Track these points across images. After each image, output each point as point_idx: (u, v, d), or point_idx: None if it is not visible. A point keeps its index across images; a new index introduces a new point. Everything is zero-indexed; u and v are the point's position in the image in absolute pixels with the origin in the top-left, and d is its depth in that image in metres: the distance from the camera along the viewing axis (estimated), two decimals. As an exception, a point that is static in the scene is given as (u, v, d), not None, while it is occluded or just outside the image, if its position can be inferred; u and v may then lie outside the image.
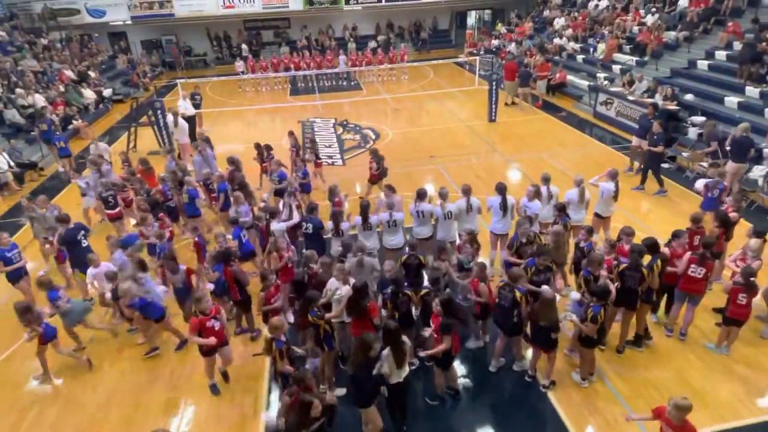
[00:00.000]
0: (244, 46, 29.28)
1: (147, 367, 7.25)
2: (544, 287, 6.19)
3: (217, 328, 6.28)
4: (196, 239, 8.26)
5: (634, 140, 12.61)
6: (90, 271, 7.83)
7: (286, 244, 7.68)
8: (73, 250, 8.59)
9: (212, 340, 6.20)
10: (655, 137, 11.31)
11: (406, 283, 6.58)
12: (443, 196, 8.19)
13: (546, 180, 8.68)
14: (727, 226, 7.79)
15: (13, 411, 6.77)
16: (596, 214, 8.88)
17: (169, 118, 14.81)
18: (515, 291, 6.24)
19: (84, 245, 8.57)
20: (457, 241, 8.65)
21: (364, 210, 7.98)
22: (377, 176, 11.52)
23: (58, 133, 16.32)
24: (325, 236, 8.13)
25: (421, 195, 8.17)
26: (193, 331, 6.19)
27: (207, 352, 6.40)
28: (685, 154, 12.79)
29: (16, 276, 8.31)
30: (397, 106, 20.30)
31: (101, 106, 21.59)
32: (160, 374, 7.10)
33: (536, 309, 6.17)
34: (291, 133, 13.18)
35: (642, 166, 11.87)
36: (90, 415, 6.63)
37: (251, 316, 7.50)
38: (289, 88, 24.43)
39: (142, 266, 7.32)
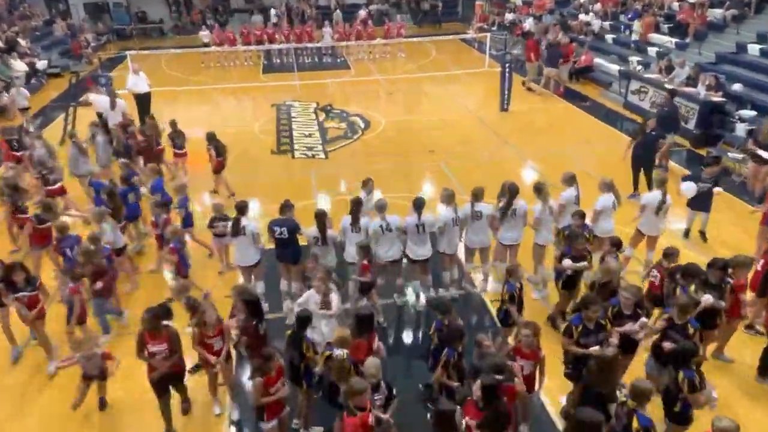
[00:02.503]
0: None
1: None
2: (603, 349, 5.77)
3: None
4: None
5: (668, 137, 12.76)
6: None
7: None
8: None
9: None
10: (652, 133, 11.30)
11: None
12: (447, 199, 8.22)
13: (569, 180, 8.71)
14: None
15: None
16: (638, 231, 8.86)
17: (104, 98, 14.54)
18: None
19: None
20: (460, 254, 8.71)
21: (356, 207, 8.00)
22: (220, 165, 11.84)
23: None
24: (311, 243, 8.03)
25: (419, 205, 8.04)
26: None
27: None
28: (731, 155, 12.93)
29: None
30: (391, 89, 20.32)
31: (33, 81, 21.36)
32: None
33: (591, 368, 5.70)
34: (151, 117, 13.46)
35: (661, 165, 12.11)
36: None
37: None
38: (261, 64, 24.35)
39: None
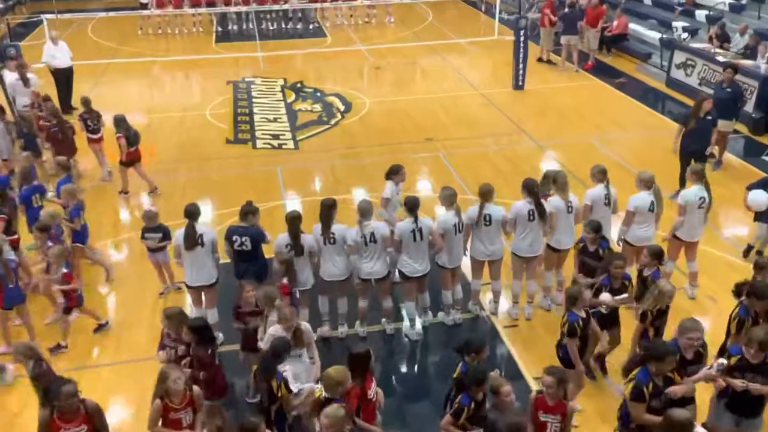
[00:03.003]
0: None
1: None
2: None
3: None
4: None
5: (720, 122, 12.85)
6: None
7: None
8: None
9: None
10: (708, 117, 11.26)
11: None
12: (448, 199, 8.20)
13: (599, 175, 8.72)
14: None
15: None
16: (675, 237, 8.88)
17: (11, 76, 14.38)
18: None
19: None
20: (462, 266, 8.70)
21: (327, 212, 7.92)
22: (134, 156, 11.92)
23: None
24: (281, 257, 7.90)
25: (413, 205, 8.03)
26: None
27: None
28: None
29: None
30: (377, 62, 20.33)
31: None
32: None
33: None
34: (46, 98, 13.09)
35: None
36: None
37: None
38: (215, 31, 24.28)
39: None
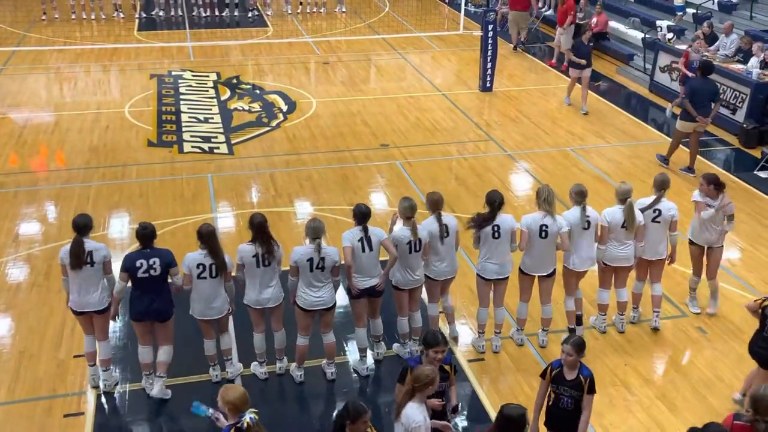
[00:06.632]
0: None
1: None
2: None
3: None
4: None
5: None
6: None
7: None
8: None
9: None
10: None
11: None
12: (407, 212, 8.12)
13: (579, 195, 8.66)
14: None
15: None
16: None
17: None
18: None
19: None
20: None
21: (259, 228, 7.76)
22: None
23: None
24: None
25: (363, 215, 7.98)
26: None
27: None
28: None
29: None
30: (326, 57, 20.32)
31: None
32: None
33: None
34: None
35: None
36: None
37: None
38: (138, 18, 23.99)
39: None
